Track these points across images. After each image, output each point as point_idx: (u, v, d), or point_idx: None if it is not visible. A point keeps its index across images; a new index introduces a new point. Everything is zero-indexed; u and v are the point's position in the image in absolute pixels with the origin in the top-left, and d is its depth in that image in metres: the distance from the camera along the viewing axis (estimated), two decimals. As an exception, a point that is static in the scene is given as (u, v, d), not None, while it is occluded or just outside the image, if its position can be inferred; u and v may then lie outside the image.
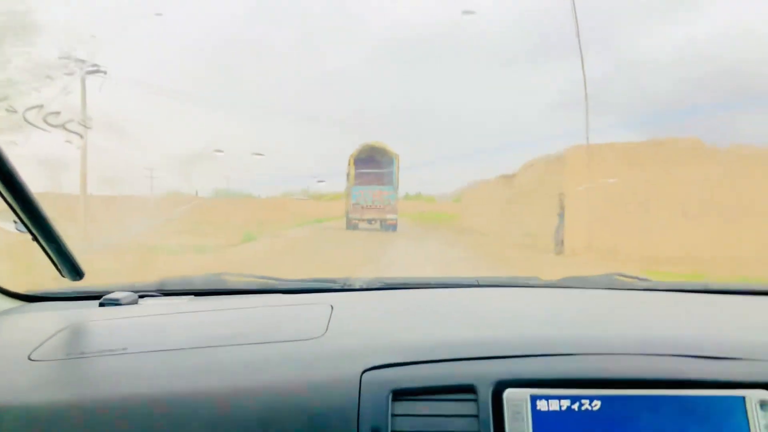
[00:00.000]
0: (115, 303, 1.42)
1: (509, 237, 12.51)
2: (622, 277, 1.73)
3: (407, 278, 1.73)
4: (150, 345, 1.13)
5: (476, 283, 1.67)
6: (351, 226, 14.11)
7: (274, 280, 1.66)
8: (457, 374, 0.99)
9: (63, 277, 1.36)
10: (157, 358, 1.08)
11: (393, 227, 13.88)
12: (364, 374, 0.99)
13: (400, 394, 0.97)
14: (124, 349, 1.10)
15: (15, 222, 1.22)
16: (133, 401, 0.96)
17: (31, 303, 1.53)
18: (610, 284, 1.69)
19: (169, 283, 1.62)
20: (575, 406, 0.95)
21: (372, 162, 13.91)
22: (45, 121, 1.35)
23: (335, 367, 1.02)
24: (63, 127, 1.37)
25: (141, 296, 1.51)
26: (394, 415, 0.94)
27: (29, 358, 1.08)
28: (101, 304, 1.42)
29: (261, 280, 1.68)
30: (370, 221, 14.02)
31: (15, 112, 1.24)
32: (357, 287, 1.61)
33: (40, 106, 1.30)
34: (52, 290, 1.57)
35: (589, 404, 0.95)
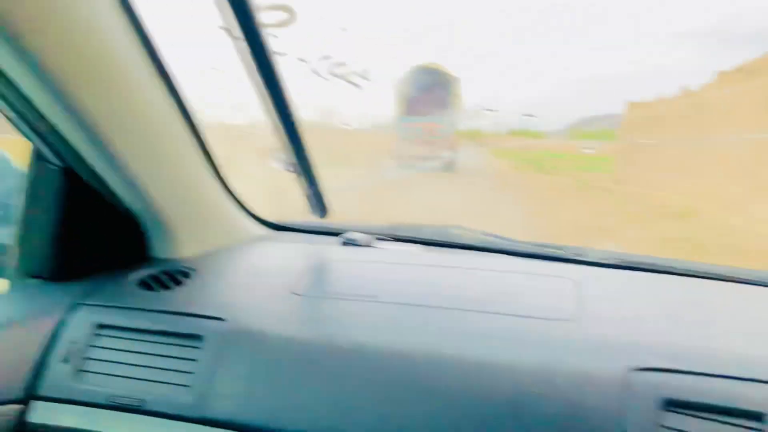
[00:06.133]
0: (354, 243, 1.51)
1: None
2: None
3: (655, 259, 1.37)
4: (397, 296, 1.14)
5: (764, 282, 1.24)
6: (401, 165, 11.19)
7: (503, 240, 1.56)
8: (742, 396, 0.81)
9: (311, 213, 1.48)
10: (405, 311, 1.09)
11: (449, 167, 10.79)
12: (632, 374, 0.86)
13: (673, 405, 0.82)
14: (374, 296, 1.14)
15: (286, 162, 1.33)
16: (385, 351, 0.97)
17: (278, 231, 1.68)
18: None
19: (401, 228, 1.64)
20: None
21: (425, 88, 11.07)
22: (330, 72, 1.43)
23: (596, 358, 0.91)
24: (345, 78, 1.44)
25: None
26: (663, 427, 0.81)
27: (292, 292, 1.18)
28: (343, 244, 1.52)
29: (490, 238, 1.59)
30: (422, 159, 11.09)
31: (306, 62, 1.32)
32: (595, 261, 1.37)
33: (328, 57, 1.37)
34: (295, 222, 1.71)
35: None
